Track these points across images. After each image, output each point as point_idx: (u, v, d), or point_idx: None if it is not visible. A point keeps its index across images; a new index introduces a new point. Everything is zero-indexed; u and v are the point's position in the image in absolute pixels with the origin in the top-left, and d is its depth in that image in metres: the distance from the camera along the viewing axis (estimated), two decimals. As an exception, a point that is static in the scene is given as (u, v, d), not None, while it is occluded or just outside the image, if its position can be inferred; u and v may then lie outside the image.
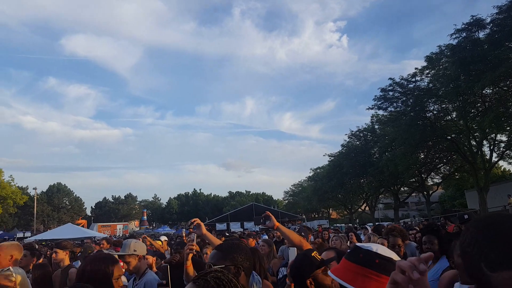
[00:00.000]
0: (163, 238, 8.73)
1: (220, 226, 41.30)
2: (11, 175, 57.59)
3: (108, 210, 76.06)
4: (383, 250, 1.33)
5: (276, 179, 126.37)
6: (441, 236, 3.48)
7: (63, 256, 4.71)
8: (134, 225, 57.57)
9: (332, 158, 45.67)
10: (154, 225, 71.90)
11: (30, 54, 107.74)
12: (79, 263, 4.82)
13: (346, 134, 42.57)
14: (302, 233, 4.03)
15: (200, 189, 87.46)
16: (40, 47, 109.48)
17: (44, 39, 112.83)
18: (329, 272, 1.37)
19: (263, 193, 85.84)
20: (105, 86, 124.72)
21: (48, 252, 6.89)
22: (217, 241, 2.89)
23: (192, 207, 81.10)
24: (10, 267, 2.92)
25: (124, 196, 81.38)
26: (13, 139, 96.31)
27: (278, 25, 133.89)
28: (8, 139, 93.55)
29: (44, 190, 66.51)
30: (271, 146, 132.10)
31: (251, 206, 49.07)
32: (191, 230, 2.98)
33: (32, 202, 54.11)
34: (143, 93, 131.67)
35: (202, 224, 2.98)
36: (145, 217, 60.62)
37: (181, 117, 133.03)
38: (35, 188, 54.75)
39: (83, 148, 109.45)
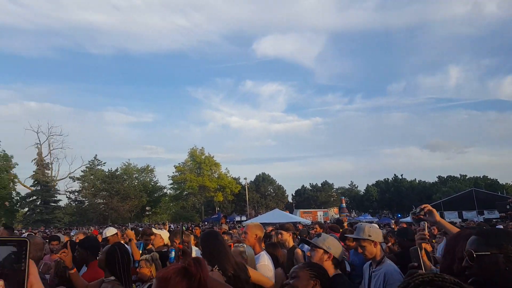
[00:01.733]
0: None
1: (431, 216, 38.19)
2: (226, 168, 71.78)
3: (307, 197, 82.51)
4: None
5: (501, 159, 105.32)
6: None
7: (287, 237, 5.45)
8: (333, 212, 60.10)
9: None
10: (354, 213, 73.16)
11: (230, 62, 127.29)
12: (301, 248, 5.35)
13: None
14: None
15: (401, 175, 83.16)
16: (237, 55, 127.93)
17: (240, 48, 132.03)
18: None
19: (484, 176, 74.31)
20: (293, 80, 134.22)
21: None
22: (456, 230, 2.67)
23: (393, 194, 78.30)
24: (245, 244, 3.55)
25: (321, 184, 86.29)
26: (224, 137, 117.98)
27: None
28: (221, 137, 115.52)
29: (252, 180, 78.19)
30: (488, 120, 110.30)
31: (471, 192, 43.04)
32: (421, 217, 2.89)
33: (244, 190, 64.67)
34: (329, 81, 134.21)
35: (434, 210, 2.82)
36: (344, 204, 62.32)
37: (371, 99, 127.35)
38: (245, 178, 65.22)
39: (279, 140, 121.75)
